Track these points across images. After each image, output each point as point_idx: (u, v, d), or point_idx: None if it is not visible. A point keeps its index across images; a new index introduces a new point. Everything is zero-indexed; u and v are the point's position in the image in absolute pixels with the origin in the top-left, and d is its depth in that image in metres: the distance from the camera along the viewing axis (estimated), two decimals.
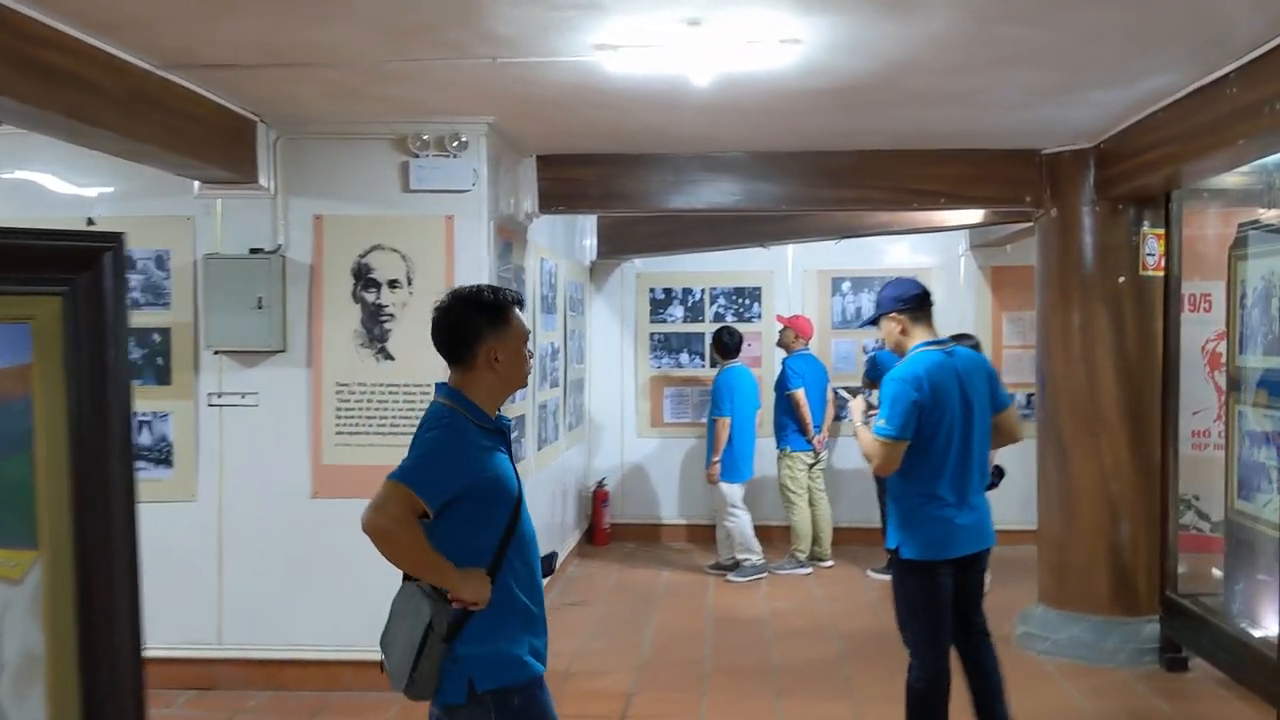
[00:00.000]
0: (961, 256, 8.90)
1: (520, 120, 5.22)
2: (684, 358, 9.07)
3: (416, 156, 5.20)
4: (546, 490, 7.05)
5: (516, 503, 2.75)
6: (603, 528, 8.88)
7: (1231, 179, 5.59)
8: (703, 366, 8.99)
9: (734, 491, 7.77)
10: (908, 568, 4.17)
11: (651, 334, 9.11)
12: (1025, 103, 4.85)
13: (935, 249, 8.90)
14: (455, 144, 5.14)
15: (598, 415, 9.07)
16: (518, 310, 2.82)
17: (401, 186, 5.24)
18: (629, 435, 9.07)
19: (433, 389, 2.84)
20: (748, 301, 9.06)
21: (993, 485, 7.10)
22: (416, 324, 5.21)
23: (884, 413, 4.05)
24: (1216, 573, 5.73)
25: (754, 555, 7.75)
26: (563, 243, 7.67)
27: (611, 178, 6.10)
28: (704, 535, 8.54)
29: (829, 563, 8.02)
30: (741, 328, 8.93)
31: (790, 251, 8.91)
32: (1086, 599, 5.76)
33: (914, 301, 4.23)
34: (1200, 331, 6.00)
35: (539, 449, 6.67)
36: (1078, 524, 5.79)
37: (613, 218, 8.55)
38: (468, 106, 4.98)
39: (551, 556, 2.93)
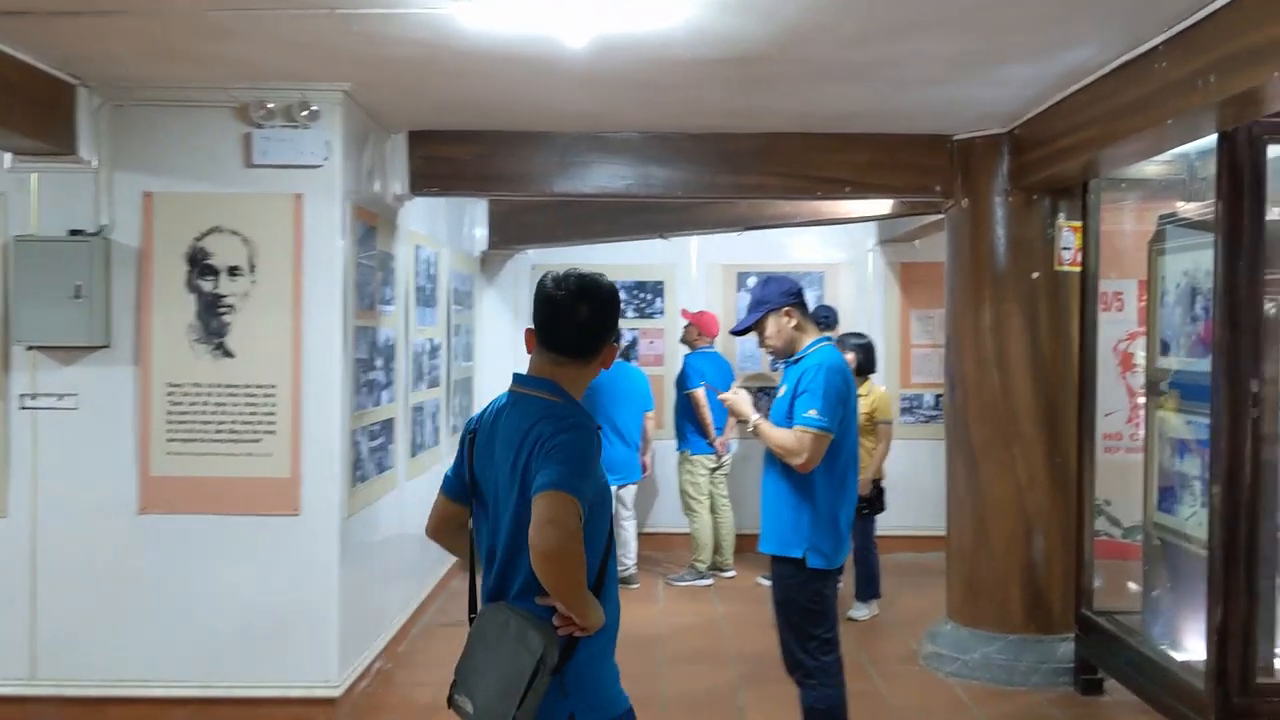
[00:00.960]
0: (870, 252, 8.54)
1: (380, 89, 4.65)
2: None
3: (260, 127, 4.60)
4: (425, 498, 6.45)
5: (611, 513, 2.51)
6: None
7: (1151, 168, 5.27)
8: None
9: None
10: (816, 578, 3.83)
11: None
12: (936, 78, 4.43)
13: (843, 244, 8.53)
14: (305, 113, 4.55)
15: None
16: None
17: (244, 161, 4.63)
18: None
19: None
20: (649, 296, 8.58)
21: (881, 508, 6.56)
22: (260, 316, 4.62)
23: (815, 402, 3.72)
24: (1133, 586, 5.40)
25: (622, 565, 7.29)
26: (446, 230, 7.09)
27: (491, 157, 5.55)
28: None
29: (731, 573, 7.58)
30: (643, 324, 8.54)
31: (694, 244, 8.46)
32: (999, 616, 5.39)
33: (800, 294, 3.99)
34: (1113, 331, 5.72)
35: (413, 455, 6.09)
36: (990, 536, 5.42)
37: (505, 205, 8.03)
38: (316, 71, 4.40)
39: None
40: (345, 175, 4.72)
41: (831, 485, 3.81)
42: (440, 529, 2.66)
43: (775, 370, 8.31)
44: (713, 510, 7.53)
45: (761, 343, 4.02)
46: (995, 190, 5.39)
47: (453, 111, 5.14)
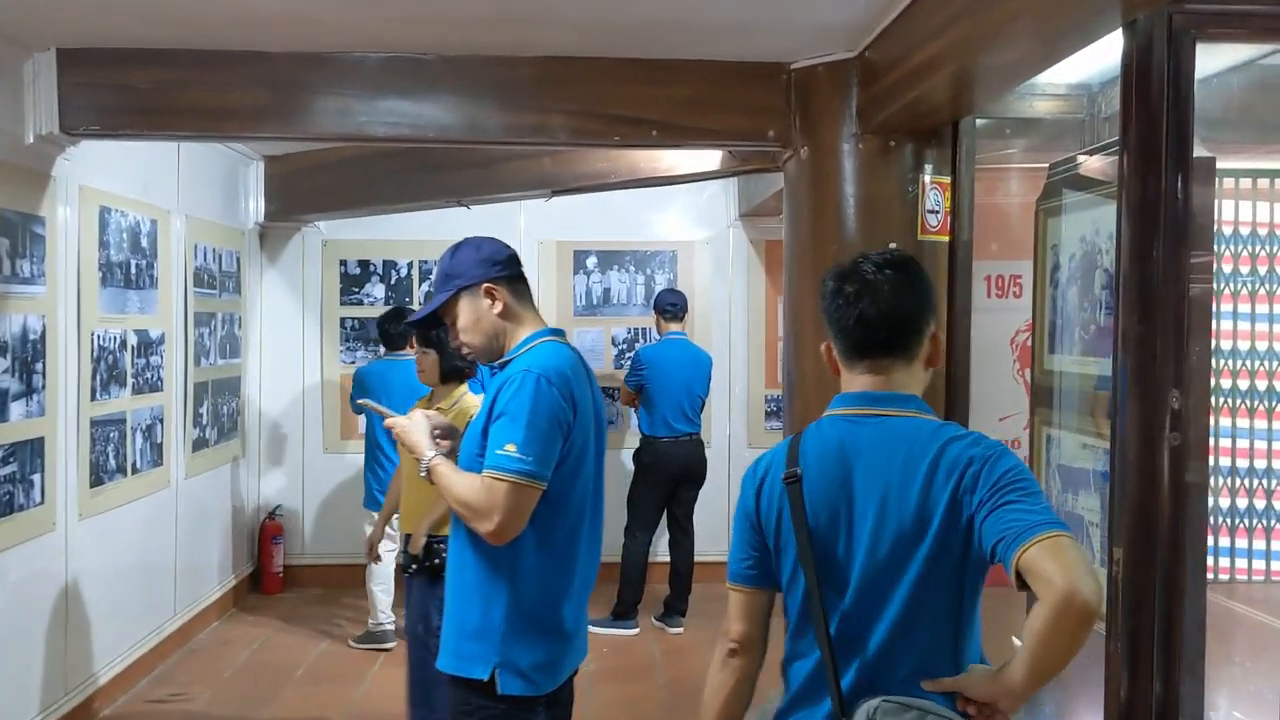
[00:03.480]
0: (730, 228, 7.25)
1: None
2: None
3: None
4: (116, 538, 4.98)
5: None
6: (273, 571, 6.87)
7: (1043, 104, 4.04)
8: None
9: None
10: (515, 712, 2.46)
11: (344, 319, 7.14)
12: None
13: (705, 220, 7.26)
14: None
15: (270, 424, 7.05)
16: None
17: None
18: (312, 450, 7.08)
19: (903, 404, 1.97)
20: None
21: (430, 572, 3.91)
22: None
23: (515, 432, 2.37)
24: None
25: (375, 618, 5.88)
26: (181, 192, 5.64)
27: (179, 86, 4.11)
28: None
29: None
30: None
31: (522, 217, 7.09)
32: None
33: (510, 264, 2.65)
34: (1010, 320, 4.57)
35: (95, 484, 4.63)
36: None
37: (282, 166, 6.64)
38: None
39: None
40: None
41: (547, 562, 2.50)
42: (757, 636, 2.03)
43: (620, 368, 6.98)
44: None
45: (454, 337, 2.68)
46: (843, 135, 4.09)
47: (115, 19, 3.73)
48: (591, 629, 5.93)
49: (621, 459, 6.71)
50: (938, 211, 4.13)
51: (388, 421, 2.70)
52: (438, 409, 3.61)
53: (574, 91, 4.20)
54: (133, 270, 4.97)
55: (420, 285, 7.14)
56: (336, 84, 4.15)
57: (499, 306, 2.57)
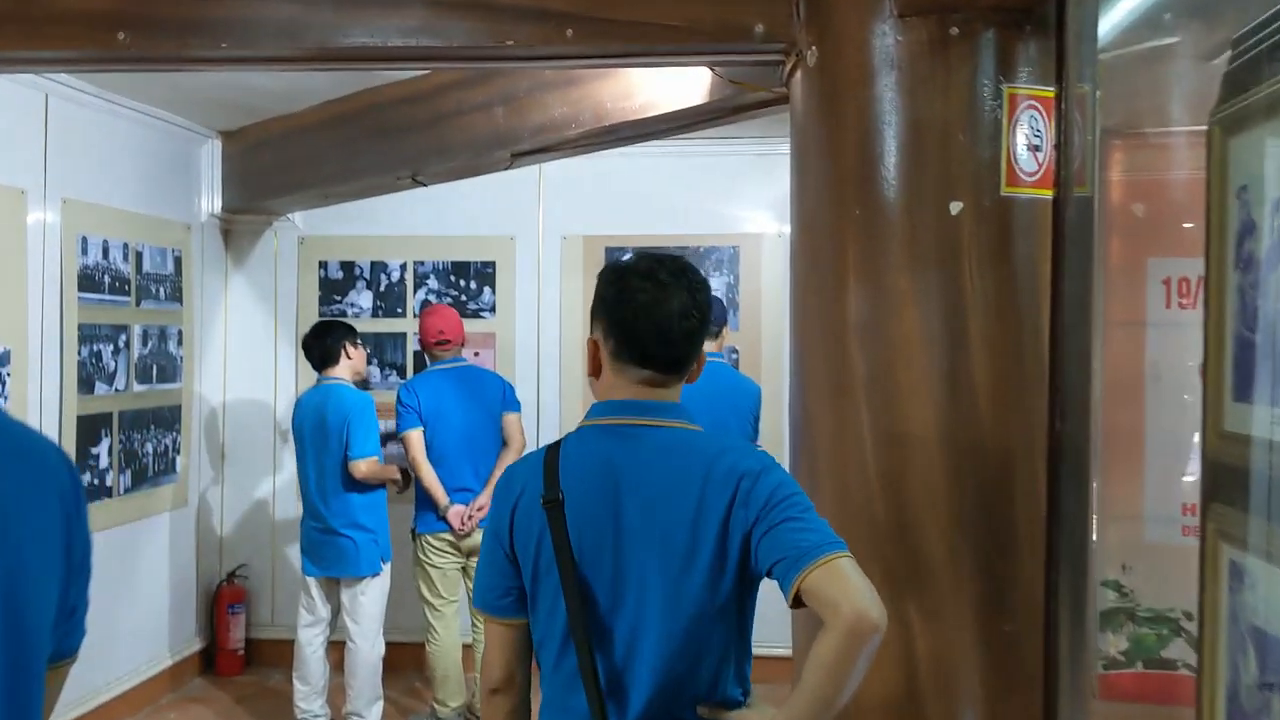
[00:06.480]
0: None
1: None
2: (374, 370, 5.75)
3: None
4: None
5: None
6: (230, 647, 5.56)
7: None
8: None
9: (304, 589, 4.69)
10: None
11: None
12: None
13: (775, 206, 5.65)
14: None
15: (233, 463, 5.77)
16: None
17: None
18: (285, 495, 5.76)
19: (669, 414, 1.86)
20: (474, 284, 5.75)
21: None
22: None
23: None
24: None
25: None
26: (37, 167, 4.39)
27: None
28: (408, 657, 5.19)
29: None
30: (469, 323, 5.73)
31: (541, 207, 5.63)
32: None
33: None
34: (1191, 342, 2.89)
35: None
36: None
37: (238, 144, 5.36)
38: None
39: None
40: None
41: None
42: (516, 671, 1.87)
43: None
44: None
45: None
46: (872, 24, 2.44)
47: None
48: None
49: None
50: (1038, 146, 2.44)
51: None
52: None
53: None
54: None
55: (415, 292, 5.75)
56: None
57: None
